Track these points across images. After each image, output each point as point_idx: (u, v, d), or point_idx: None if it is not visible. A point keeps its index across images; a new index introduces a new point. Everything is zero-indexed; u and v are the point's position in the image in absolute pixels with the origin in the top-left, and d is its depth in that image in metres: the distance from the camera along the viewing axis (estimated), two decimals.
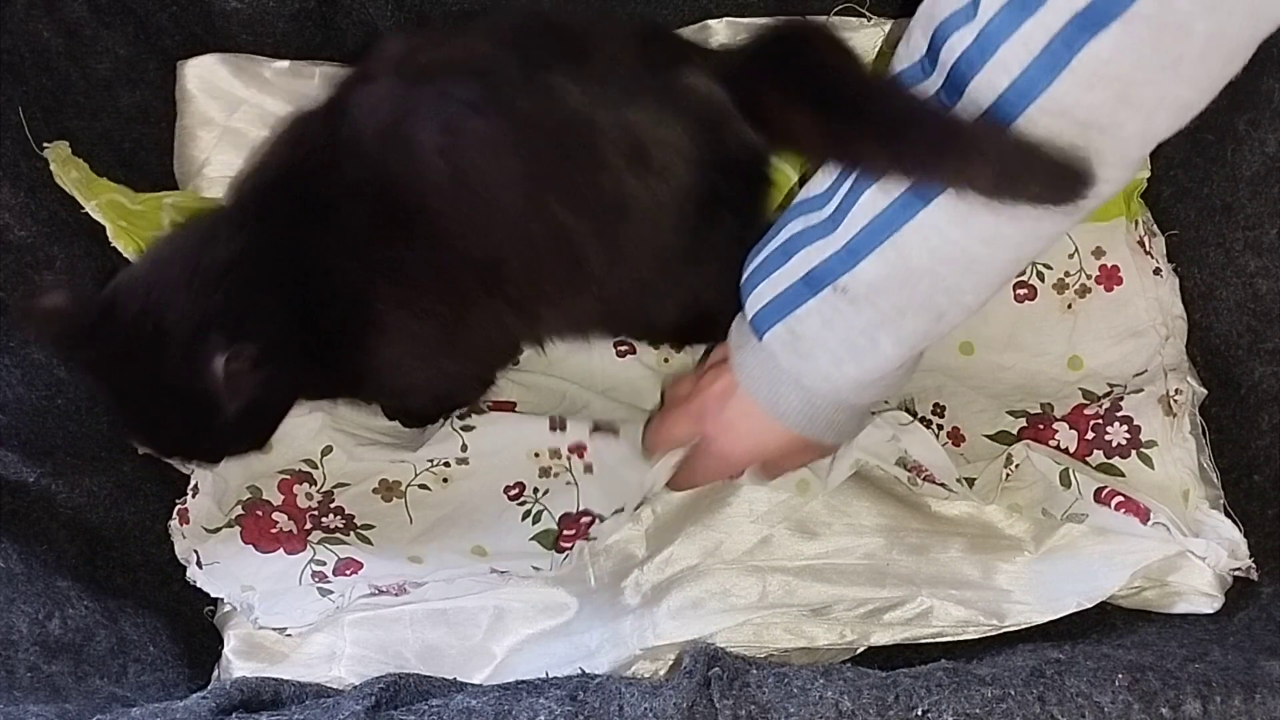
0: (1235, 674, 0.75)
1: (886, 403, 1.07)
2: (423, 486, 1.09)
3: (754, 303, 0.91)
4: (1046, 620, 0.96)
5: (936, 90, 0.79)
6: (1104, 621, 0.96)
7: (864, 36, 1.21)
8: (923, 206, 0.79)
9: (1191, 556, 0.97)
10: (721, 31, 1.21)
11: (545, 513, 1.06)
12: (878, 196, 0.82)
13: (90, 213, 1.05)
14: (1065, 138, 0.73)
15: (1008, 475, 1.03)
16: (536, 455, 1.07)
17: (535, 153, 0.91)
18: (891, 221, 0.81)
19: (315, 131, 0.96)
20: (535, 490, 1.07)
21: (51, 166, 1.04)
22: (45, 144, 1.05)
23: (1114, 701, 0.73)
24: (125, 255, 1.06)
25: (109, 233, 1.06)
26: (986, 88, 0.74)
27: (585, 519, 1.05)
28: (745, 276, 0.93)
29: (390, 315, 0.95)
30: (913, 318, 0.84)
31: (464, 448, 1.08)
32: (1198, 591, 0.97)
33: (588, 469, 1.06)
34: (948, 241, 0.80)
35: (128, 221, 1.10)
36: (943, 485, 1.03)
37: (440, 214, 0.92)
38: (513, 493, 1.07)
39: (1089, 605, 0.96)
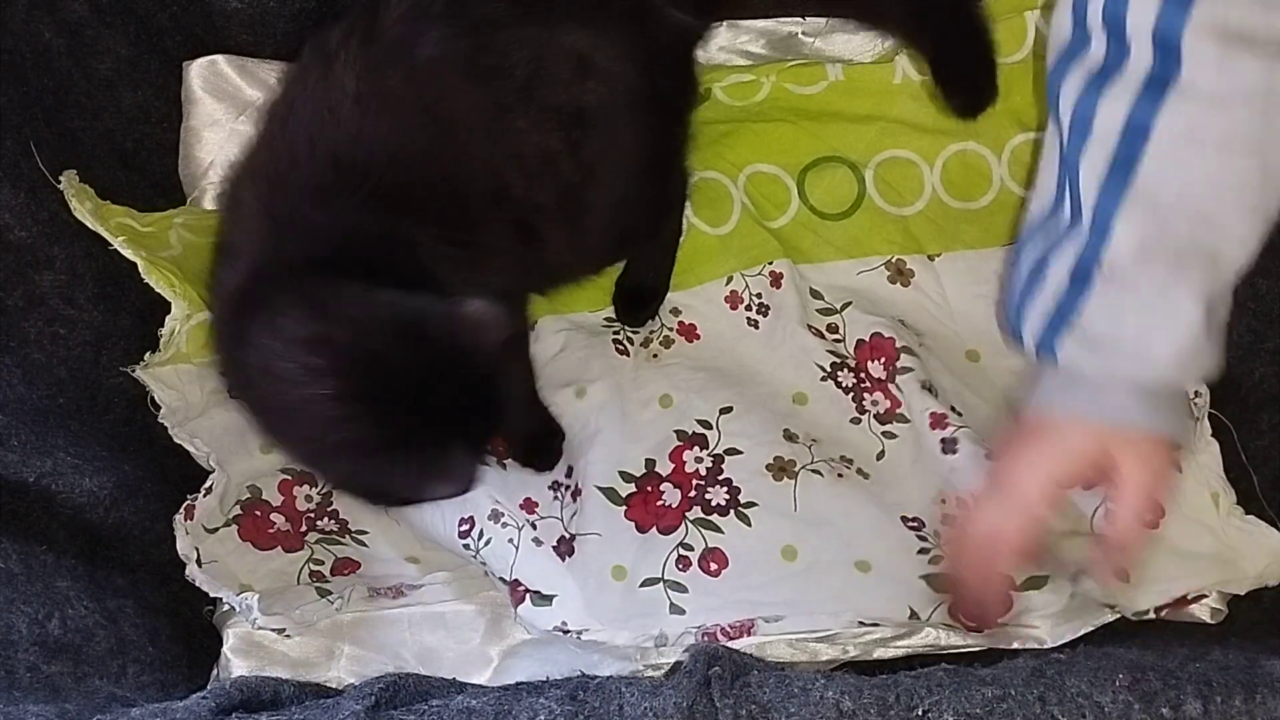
0: (1236, 673, 0.74)
1: None
2: None
3: (1031, 333, 0.87)
4: (1056, 645, 0.96)
5: (1105, 51, 0.79)
6: None
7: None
8: (1144, 141, 0.77)
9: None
10: (722, 34, 1.21)
11: (484, 565, 1.04)
12: (1094, 155, 0.80)
13: (120, 249, 1.04)
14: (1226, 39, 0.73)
15: None
16: (498, 501, 1.05)
17: (490, 81, 0.95)
18: (1120, 172, 0.79)
19: (278, 139, 0.99)
20: (480, 533, 1.04)
21: (71, 204, 1.04)
22: (59, 177, 1.05)
23: (1114, 701, 0.73)
24: (157, 290, 1.06)
25: (140, 269, 1.05)
26: (1142, 21, 0.75)
27: (519, 588, 1.02)
28: (1009, 320, 0.89)
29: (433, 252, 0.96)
30: (1191, 266, 0.79)
31: None
32: (1203, 605, 0.98)
33: (536, 541, 1.03)
34: (1182, 165, 0.77)
35: (144, 247, 1.09)
36: None
37: (434, 154, 0.95)
38: (463, 528, 1.05)
39: (1094, 627, 0.95)
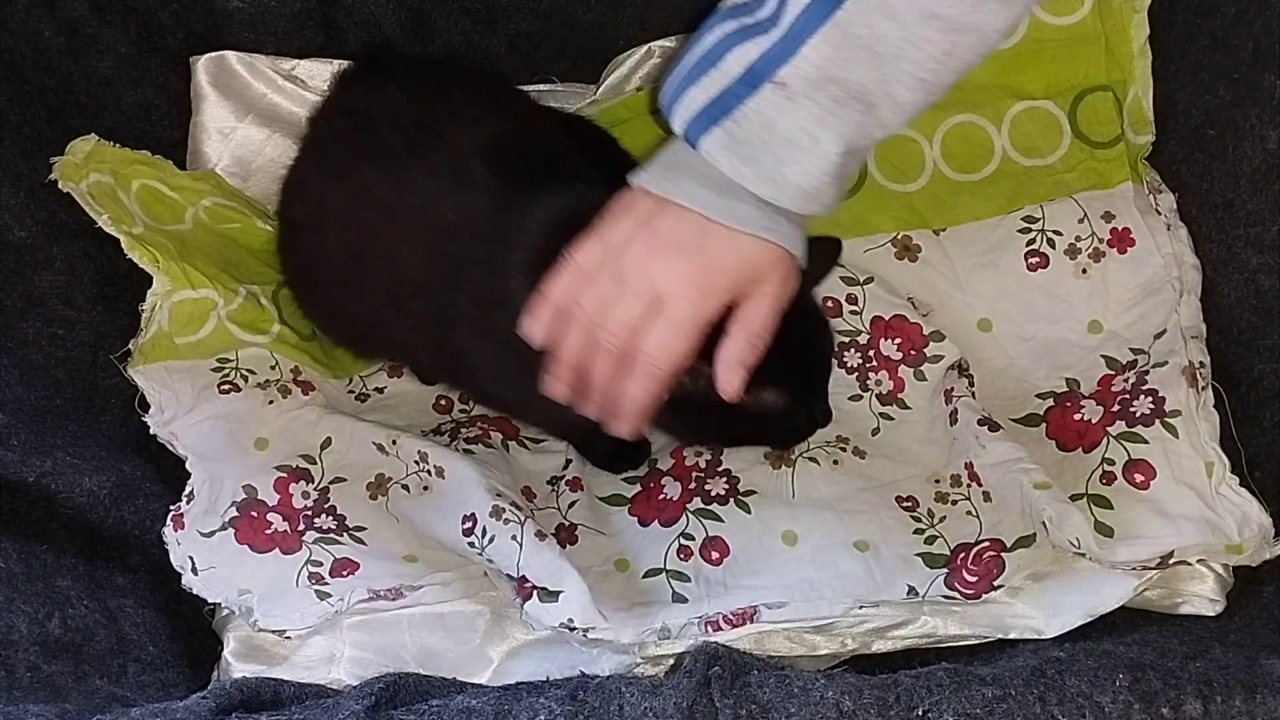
0: (1236, 673, 0.74)
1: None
2: (404, 488, 1.09)
3: (685, 111, 0.85)
4: (1051, 636, 0.95)
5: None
6: (1105, 618, 0.96)
7: None
8: None
9: (1194, 564, 0.97)
10: None
11: (491, 563, 1.03)
12: None
13: (104, 226, 1.06)
14: None
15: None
16: (499, 495, 1.04)
17: None
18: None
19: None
20: (484, 531, 1.03)
21: (60, 184, 1.05)
22: (54, 158, 1.06)
23: (1114, 701, 0.73)
24: (140, 265, 1.07)
25: (123, 244, 1.06)
26: None
27: (526, 584, 1.01)
28: (668, 89, 0.87)
29: None
30: (848, 110, 0.81)
31: (441, 472, 1.08)
32: (1201, 596, 0.97)
33: (540, 535, 1.02)
34: (884, 16, 0.79)
35: (153, 213, 1.11)
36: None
37: None
38: (466, 525, 1.04)
39: (1091, 619, 0.95)
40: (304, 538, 1.05)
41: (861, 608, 0.97)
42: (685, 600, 1.02)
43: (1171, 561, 0.96)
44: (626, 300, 0.86)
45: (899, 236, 1.20)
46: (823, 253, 0.96)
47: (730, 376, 0.87)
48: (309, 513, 1.06)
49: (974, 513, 1.06)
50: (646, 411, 0.89)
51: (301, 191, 1.11)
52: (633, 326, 0.86)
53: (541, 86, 1.26)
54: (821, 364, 0.99)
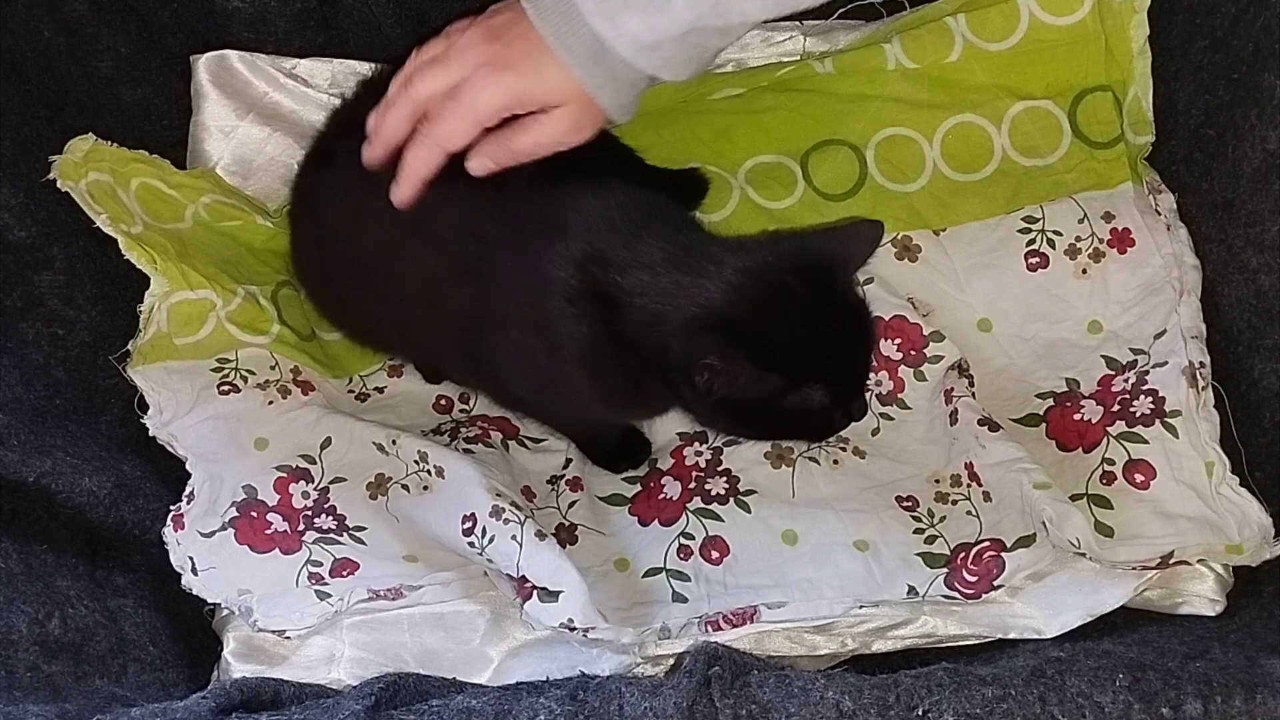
0: (1236, 673, 0.74)
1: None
2: (404, 488, 1.09)
3: None
4: (1051, 636, 0.95)
5: None
6: (1105, 618, 0.96)
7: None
8: None
9: (1194, 564, 0.97)
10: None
11: (491, 563, 1.02)
12: None
13: (101, 226, 1.06)
14: None
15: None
16: (499, 494, 1.04)
17: None
18: None
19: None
20: (484, 531, 1.02)
21: (59, 183, 1.05)
22: (53, 156, 1.06)
23: (1114, 701, 0.73)
24: (138, 266, 1.07)
25: (121, 245, 1.06)
26: None
27: (526, 584, 1.00)
28: None
29: None
30: None
31: (441, 472, 1.08)
32: (1201, 596, 0.97)
33: (540, 535, 1.01)
34: None
35: (152, 212, 1.11)
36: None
37: None
38: (466, 525, 1.03)
39: (1091, 619, 0.95)
40: (304, 538, 1.05)
41: (861, 607, 0.97)
42: (685, 600, 1.02)
43: (1172, 561, 0.96)
44: (439, 72, 0.92)
45: (899, 237, 1.20)
46: (864, 235, 0.96)
47: (473, 160, 0.93)
48: (309, 513, 1.06)
49: (974, 513, 1.06)
50: (420, 181, 0.95)
51: (326, 203, 1.08)
52: (431, 96, 0.92)
53: None
54: (864, 361, 0.98)
